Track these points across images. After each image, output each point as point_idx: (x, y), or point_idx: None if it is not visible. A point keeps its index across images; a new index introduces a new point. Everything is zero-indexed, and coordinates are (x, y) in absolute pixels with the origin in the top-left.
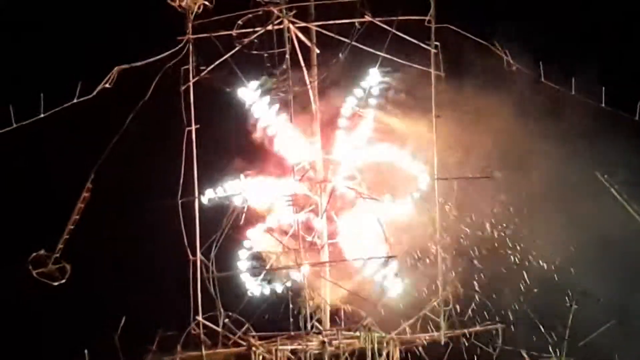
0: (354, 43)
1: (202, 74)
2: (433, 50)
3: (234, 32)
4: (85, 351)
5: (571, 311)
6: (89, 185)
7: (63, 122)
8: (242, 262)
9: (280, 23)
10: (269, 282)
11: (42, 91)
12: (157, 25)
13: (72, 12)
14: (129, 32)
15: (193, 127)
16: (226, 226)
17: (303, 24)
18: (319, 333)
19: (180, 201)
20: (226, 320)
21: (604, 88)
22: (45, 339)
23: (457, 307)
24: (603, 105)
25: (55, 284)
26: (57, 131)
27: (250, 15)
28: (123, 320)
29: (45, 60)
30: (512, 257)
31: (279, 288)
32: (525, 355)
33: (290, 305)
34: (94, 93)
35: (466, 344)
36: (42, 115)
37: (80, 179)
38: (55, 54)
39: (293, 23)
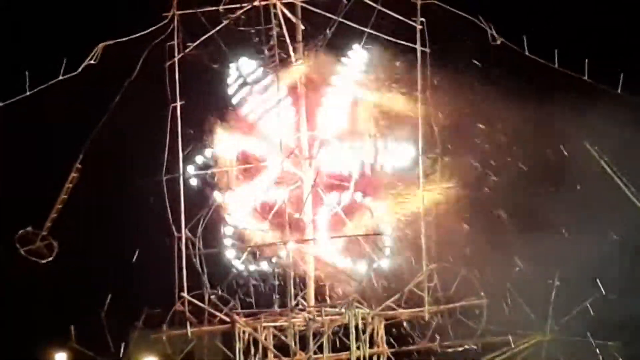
0: (340, 19)
1: (188, 50)
2: (419, 27)
3: (220, 8)
4: (72, 327)
5: (554, 288)
6: (78, 166)
7: (48, 99)
8: (228, 240)
9: None
10: (254, 259)
11: (26, 69)
12: (142, 1)
13: None
14: (114, 8)
15: (178, 104)
16: (212, 204)
17: (289, 0)
18: (304, 310)
19: (165, 178)
20: (212, 297)
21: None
22: (32, 316)
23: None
24: (586, 78)
25: (44, 261)
26: (42, 108)
27: None
28: (109, 298)
29: (29, 38)
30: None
31: (264, 265)
32: None
33: (276, 282)
34: (79, 70)
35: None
36: (27, 93)
37: (66, 155)
38: (39, 31)
39: None
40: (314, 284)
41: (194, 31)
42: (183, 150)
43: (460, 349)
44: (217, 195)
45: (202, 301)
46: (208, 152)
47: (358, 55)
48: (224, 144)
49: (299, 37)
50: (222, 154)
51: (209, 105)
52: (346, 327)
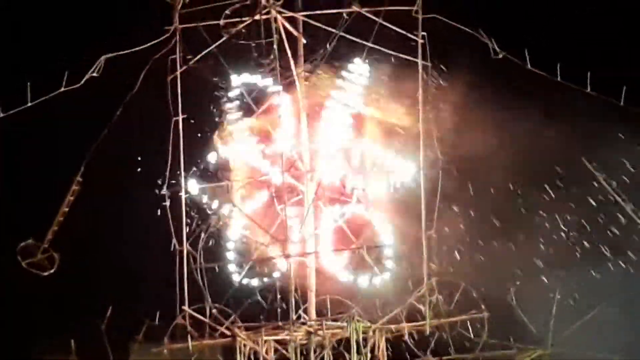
0: (341, 33)
1: (190, 63)
2: (420, 41)
3: (221, 22)
4: (72, 341)
5: (555, 302)
6: (79, 179)
7: (50, 111)
8: (229, 253)
9: (268, 13)
10: (255, 272)
11: (28, 80)
12: (144, 15)
13: (59, 0)
14: (117, 21)
15: (180, 117)
16: (214, 217)
17: (290, 14)
18: (305, 323)
19: (167, 192)
20: (213, 310)
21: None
22: (32, 329)
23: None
24: (589, 90)
25: (45, 273)
26: (43, 120)
27: (237, 5)
28: (109, 311)
29: (31, 49)
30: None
31: (265, 279)
32: None
33: (277, 296)
34: (81, 82)
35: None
36: (29, 104)
37: (67, 168)
38: (41, 42)
39: (280, 13)
40: (315, 297)
41: (196, 45)
42: (185, 164)
43: None
44: (217, 209)
45: (204, 315)
46: (210, 165)
47: (359, 69)
48: (226, 157)
49: (300, 50)
50: (223, 167)
51: (211, 118)
52: (347, 341)
